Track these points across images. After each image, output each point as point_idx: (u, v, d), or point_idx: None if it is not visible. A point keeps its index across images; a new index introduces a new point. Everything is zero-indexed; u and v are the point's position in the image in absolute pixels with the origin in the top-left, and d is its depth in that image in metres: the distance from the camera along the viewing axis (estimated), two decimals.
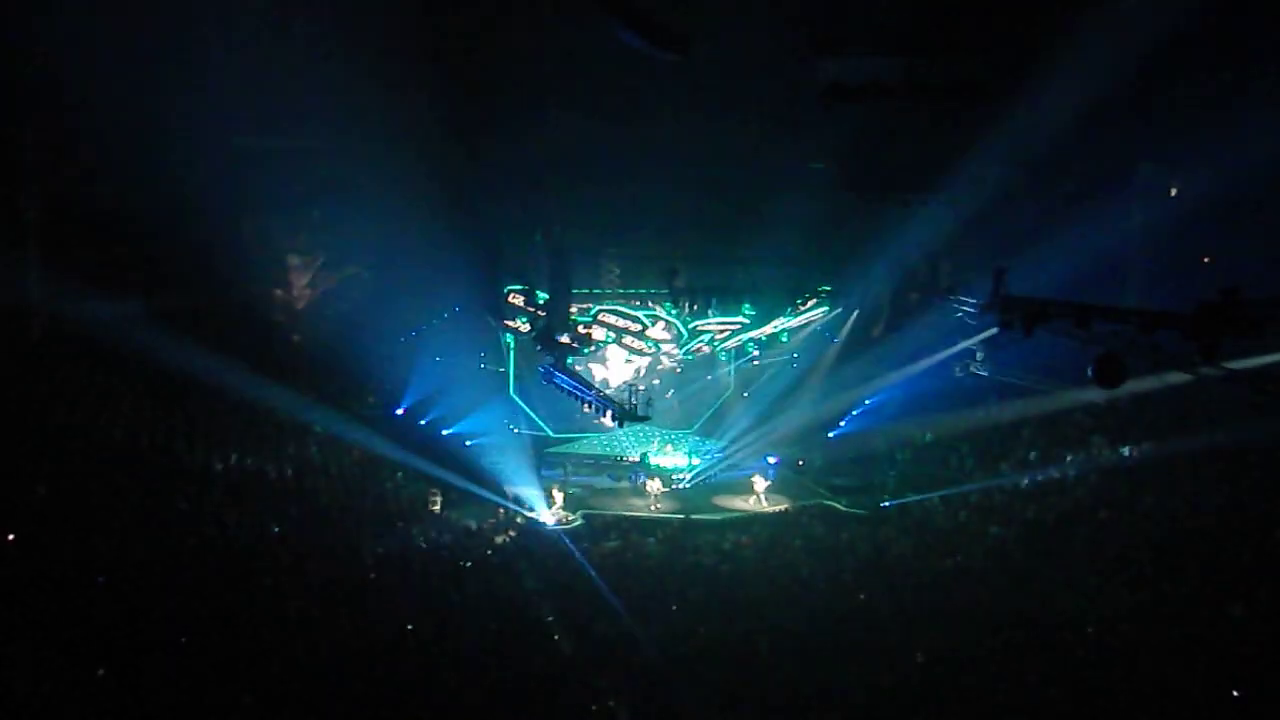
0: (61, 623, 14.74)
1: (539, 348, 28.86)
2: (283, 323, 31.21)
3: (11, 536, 16.83)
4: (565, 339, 28.19)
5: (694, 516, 27.68)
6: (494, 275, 30.91)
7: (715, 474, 31.52)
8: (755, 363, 33.91)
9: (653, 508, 29.00)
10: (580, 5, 22.17)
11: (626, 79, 26.05)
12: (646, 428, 30.50)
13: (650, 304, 31.96)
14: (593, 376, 31.81)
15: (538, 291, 30.03)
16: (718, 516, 27.95)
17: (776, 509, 28.83)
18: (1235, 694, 15.77)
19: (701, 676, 18.02)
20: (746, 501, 29.59)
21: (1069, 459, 26.03)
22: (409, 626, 18.23)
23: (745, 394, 34.13)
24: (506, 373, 32.41)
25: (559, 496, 28.31)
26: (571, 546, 24.91)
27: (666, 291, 31.26)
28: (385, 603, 18.96)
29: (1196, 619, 18.03)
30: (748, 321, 32.57)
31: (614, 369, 32.98)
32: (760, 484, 29.79)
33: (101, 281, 26.48)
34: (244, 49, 24.19)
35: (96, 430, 22.24)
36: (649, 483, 29.87)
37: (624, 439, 31.95)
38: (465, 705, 16.12)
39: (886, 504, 27.98)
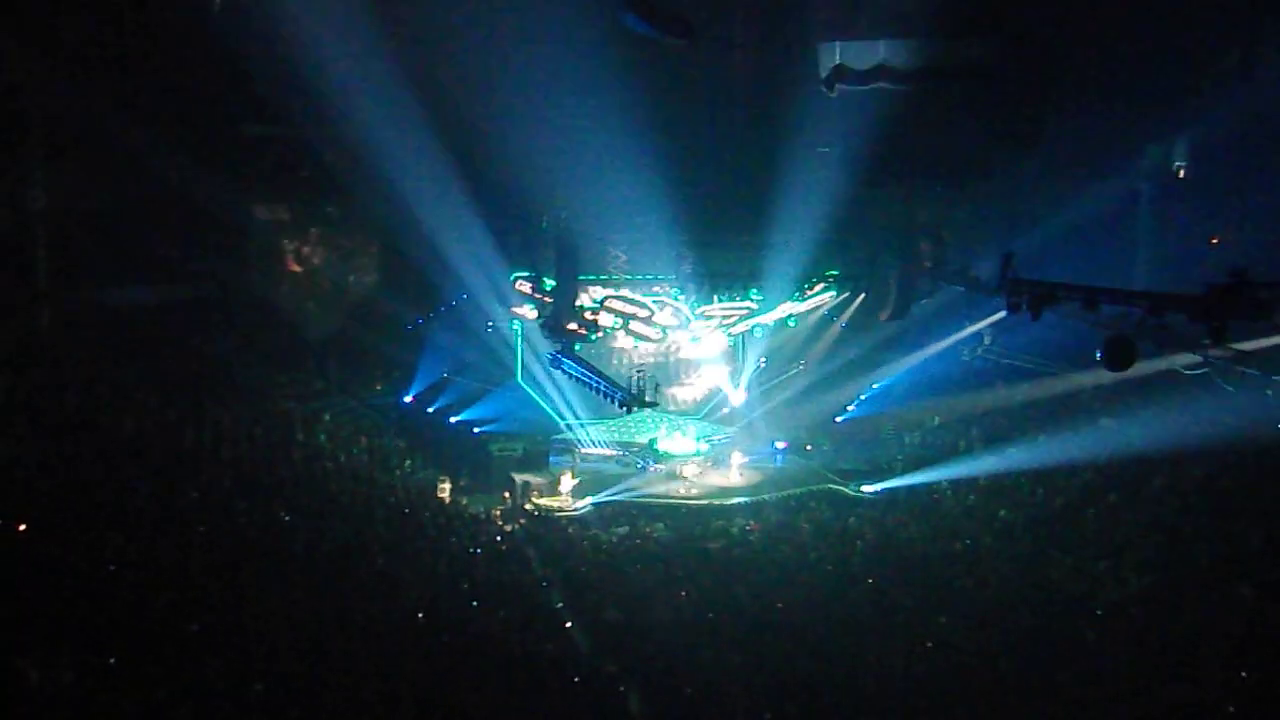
0: (72, 613, 14.80)
1: (546, 334, 28.84)
2: (290, 311, 31.22)
3: (23, 527, 16.88)
4: (573, 325, 28.17)
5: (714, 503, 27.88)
6: (500, 262, 30.87)
7: (722, 458, 31.55)
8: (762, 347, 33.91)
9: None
10: None
11: (633, 64, 26.02)
12: (654, 413, 30.52)
13: (657, 289, 31.97)
14: None
15: (544, 278, 30.00)
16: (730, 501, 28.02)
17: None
18: (1244, 676, 15.77)
19: (712, 661, 18.08)
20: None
21: (1077, 442, 26.01)
22: (419, 615, 18.29)
23: (752, 379, 34.08)
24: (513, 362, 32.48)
25: (568, 483, 28.28)
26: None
27: (674, 277, 31.20)
28: (395, 591, 19.01)
29: (1205, 602, 18.02)
30: (755, 306, 32.51)
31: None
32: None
33: (108, 272, 26.54)
34: (248, 38, 24.21)
35: (105, 420, 22.27)
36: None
37: (631, 424, 31.93)
38: (477, 692, 16.17)
39: (895, 487, 28.04)
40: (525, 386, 32.19)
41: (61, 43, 24.14)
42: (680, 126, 28.41)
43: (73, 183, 25.42)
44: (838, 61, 26.40)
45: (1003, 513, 24.11)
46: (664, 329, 32.14)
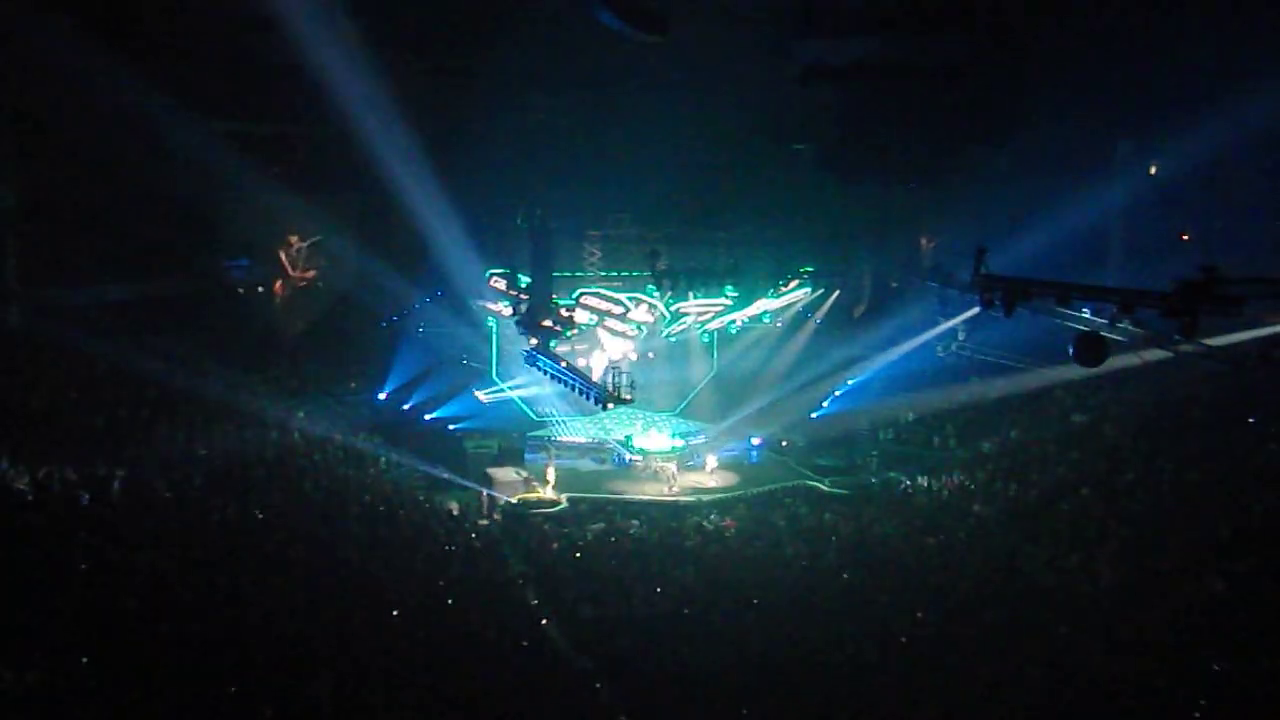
0: (44, 612, 14.68)
1: (522, 331, 28.81)
2: (264, 308, 31.05)
3: None
4: (548, 322, 28.13)
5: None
6: (476, 258, 30.80)
7: (697, 455, 31.56)
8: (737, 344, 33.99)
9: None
10: None
11: (608, 61, 25.96)
12: (629, 410, 30.53)
13: (632, 286, 31.98)
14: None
15: (519, 275, 29.94)
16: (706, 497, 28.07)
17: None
18: (1216, 667, 15.91)
19: (687, 656, 18.10)
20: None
21: (1049, 437, 26.19)
22: (394, 612, 18.23)
23: (727, 376, 34.15)
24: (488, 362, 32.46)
25: (545, 479, 28.18)
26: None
27: (649, 274, 31.24)
28: (370, 588, 18.93)
29: (1177, 594, 18.17)
30: (730, 303, 32.57)
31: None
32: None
33: (79, 269, 26.30)
34: (227, 33, 24.04)
35: (75, 419, 22.08)
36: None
37: (607, 421, 31.92)
38: (453, 687, 16.14)
39: (871, 483, 28.17)
40: (500, 383, 32.16)
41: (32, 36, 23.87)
42: (656, 124, 28.42)
43: (43, 178, 25.18)
44: (814, 59, 26.42)
45: (976, 507, 24.26)
46: (639, 325, 32.16)
